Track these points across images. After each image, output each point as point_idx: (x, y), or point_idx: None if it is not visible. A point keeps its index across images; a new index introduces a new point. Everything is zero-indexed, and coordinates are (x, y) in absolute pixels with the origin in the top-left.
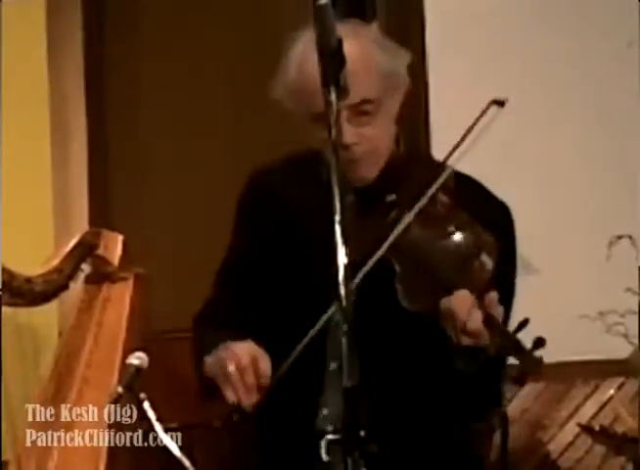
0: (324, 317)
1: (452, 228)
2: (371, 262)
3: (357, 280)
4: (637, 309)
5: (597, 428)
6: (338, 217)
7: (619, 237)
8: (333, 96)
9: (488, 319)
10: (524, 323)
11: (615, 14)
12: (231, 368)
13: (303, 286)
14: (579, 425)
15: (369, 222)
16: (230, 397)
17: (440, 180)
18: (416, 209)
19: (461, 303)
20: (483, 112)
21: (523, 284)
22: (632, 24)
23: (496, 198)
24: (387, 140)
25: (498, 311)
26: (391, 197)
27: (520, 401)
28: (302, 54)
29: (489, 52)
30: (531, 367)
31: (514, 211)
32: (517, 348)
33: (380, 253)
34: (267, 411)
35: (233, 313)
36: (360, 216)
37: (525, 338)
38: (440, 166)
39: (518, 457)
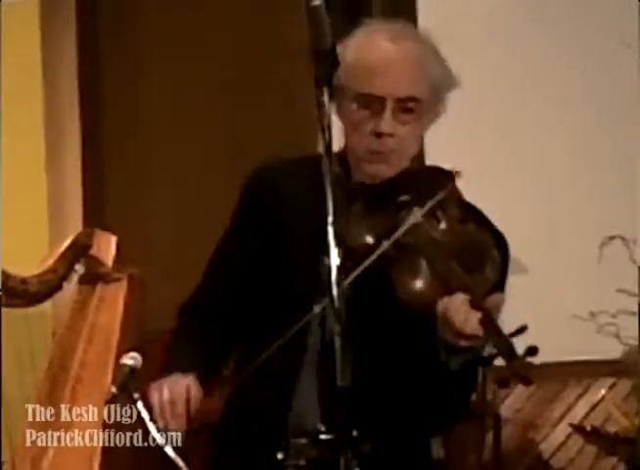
0: (303, 320)
1: (462, 235)
2: (374, 257)
3: (357, 272)
4: (629, 310)
5: (589, 428)
6: (330, 219)
7: (611, 238)
8: (326, 97)
9: (486, 319)
10: (522, 329)
11: (614, 14)
12: (165, 394)
13: (290, 284)
14: (571, 425)
15: (377, 218)
16: (159, 422)
17: (451, 186)
18: (427, 207)
19: (457, 307)
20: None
21: (516, 284)
22: (632, 25)
23: (496, 228)
24: (413, 149)
25: (496, 315)
26: (404, 197)
27: (512, 402)
28: (364, 39)
29: (484, 52)
30: (521, 371)
31: (506, 211)
32: (510, 351)
33: (384, 247)
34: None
35: (216, 305)
36: (368, 211)
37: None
38: (451, 177)
39: (510, 457)
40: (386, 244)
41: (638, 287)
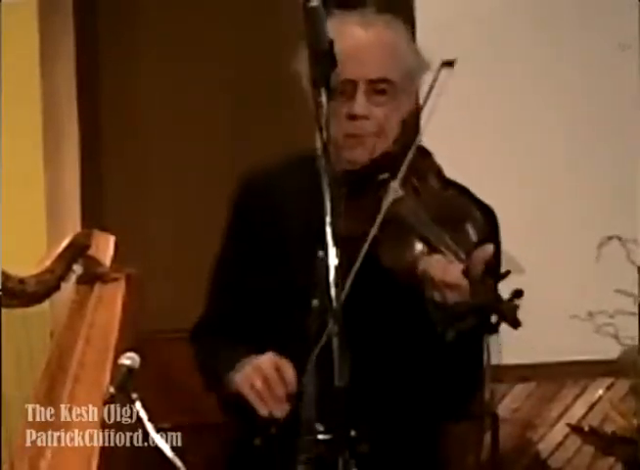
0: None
1: (443, 200)
2: (366, 246)
3: (356, 266)
4: (627, 310)
5: (586, 428)
6: (328, 219)
7: (609, 238)
8: (324, 98)
9: (468, 269)
10: (504, 274)
11: (614, 15)
12: (258, 383)
13: (293, 288)
14: (569, 425)
15: (360, 202)
16: (262, 410)
17: (416, 143)
18: (401, 173)
19: (436, 261)
20: (436, 77)
21: (513, 284)
22: (631, 26)
23: (483, 202)
24: (391, 132)
25: (480, 267)
26: (384, 176)
27: (510, 401)
28: (334, 28)
29: (484, 52)
30: (508, 313)
31: (504, 211)
32: (495, 297)
33: (372, 232)
34: None
35: (230, 321)
36: (350, 198)
37: None
38: (429, 153)
39: (508, 457)
40: (372, 230)
41: (638, 287)
